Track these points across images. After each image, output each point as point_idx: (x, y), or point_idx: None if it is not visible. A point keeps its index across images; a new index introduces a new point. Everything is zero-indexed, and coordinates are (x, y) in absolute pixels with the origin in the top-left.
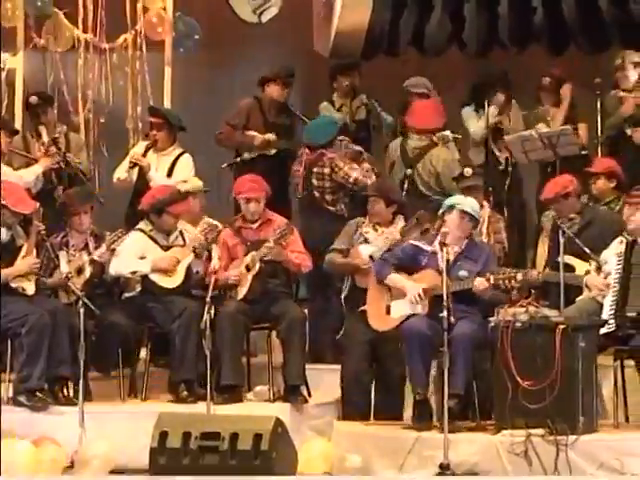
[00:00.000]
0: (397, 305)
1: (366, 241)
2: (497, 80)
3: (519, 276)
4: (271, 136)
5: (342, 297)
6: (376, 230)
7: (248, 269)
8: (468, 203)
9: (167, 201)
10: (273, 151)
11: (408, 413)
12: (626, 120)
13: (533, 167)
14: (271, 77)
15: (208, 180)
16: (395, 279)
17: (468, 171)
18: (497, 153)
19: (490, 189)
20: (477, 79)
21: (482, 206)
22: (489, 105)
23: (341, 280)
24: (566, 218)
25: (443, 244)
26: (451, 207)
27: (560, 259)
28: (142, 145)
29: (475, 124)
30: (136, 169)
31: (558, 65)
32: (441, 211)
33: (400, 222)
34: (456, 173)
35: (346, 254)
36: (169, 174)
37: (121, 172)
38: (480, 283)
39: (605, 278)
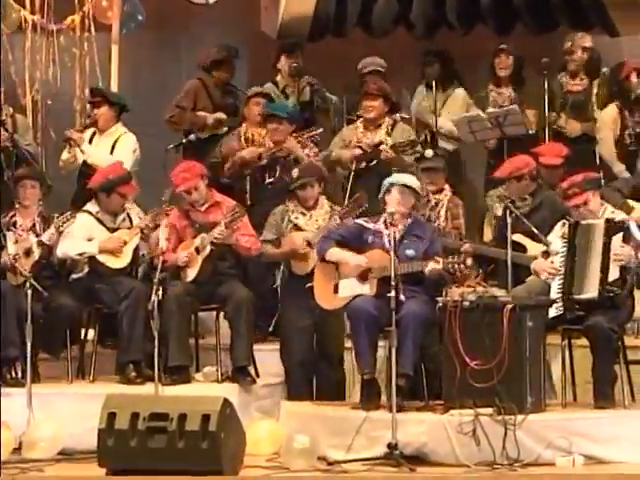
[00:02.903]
0: (345, 284)
1: (297, 227)
2: (431, 57)
3: (469, 261)
4: (222, 115)
5: (278, 285)
6: (304, 215)
7: (198, 251)
8: (406, 178)
9: (117, 181)
10: (225, 129)
11: (356, 393)
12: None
13: (478, 148)
14: (221, 59)
15: (156, 160)
16: (335, 253)
17: (429, 152)
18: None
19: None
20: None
21: (442, 189)
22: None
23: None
24: (517, 198)
25: (391, 224)
26: (390, 185)
27: (508, 239)
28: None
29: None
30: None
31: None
32: (382, 193)
33: (325, 203)
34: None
35: (277, 244)
36: (110, 153)
37: (64, 153)
38: (432, 269)
39: (552, 262)
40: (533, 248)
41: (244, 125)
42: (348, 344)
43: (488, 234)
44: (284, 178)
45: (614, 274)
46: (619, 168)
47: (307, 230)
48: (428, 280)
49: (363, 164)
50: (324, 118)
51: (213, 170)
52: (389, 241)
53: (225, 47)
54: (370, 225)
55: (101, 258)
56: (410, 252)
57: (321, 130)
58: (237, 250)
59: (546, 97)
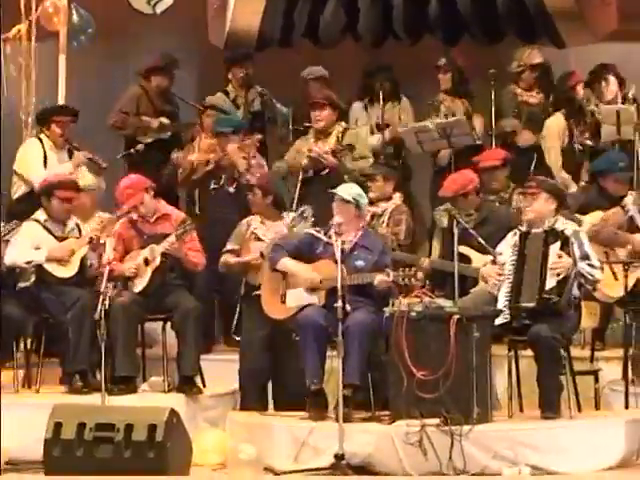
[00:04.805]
0: (292, 294)
1: (257, 238)
2: (381, 72)
3: (419, 274)
4: (165, 120)
5: (240, 296)
6: (264, 224)
7: (147, 262)
8: (343, 189)
9: (55, 184)
10: (168, 134)
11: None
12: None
13: (423, 159)
14: (154, 67)
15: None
16: (287, 264)
17: (368, 161)
18: None
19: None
20: (363, 74)
21: (390, 197)
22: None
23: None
24: (463, 214)
25: (337, 234)
26: (332, 196)
27: (455, 250)
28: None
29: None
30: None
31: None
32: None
33: (287, 217)
34: None
35: (238, 253)
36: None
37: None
38: (381, 281)
39: (500, 270)
40: (478, 260)
41: (202, 135)
42: None
43: (437, 247)
44: (227, 186)
45: (551, 282)
46: (565, 177)
47: (265, 240)
48: (377, 292)
49: (311, 172)
50: (274, 128)
51: (168, 183)
52: (338, 252)
53: (165, 56)
54: (321, 236)
55: (48, 267)
56: (359, 263)
57: (259, 136)
58: (184, 264)
59: (493, 108)
